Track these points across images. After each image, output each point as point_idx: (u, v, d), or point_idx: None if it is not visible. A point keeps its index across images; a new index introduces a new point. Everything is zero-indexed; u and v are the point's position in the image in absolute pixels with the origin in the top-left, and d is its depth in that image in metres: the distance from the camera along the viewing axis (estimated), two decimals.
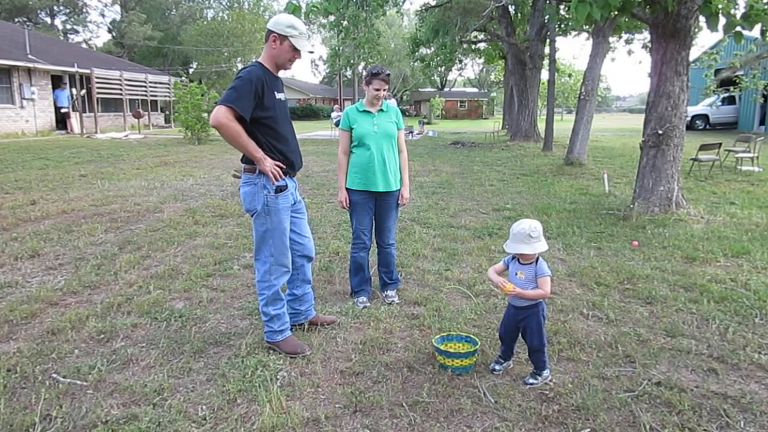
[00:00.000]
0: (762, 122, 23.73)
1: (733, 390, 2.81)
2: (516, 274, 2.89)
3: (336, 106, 33.32)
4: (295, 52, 3.03)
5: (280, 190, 3.03)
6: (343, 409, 2.64)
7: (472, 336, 3.21)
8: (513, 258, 2.91)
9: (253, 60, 3.16)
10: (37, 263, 4.83)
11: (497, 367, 3.02)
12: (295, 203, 3.23)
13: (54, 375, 2.89)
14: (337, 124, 20.23)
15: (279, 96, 3.10)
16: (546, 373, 2.90)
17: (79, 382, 2.83)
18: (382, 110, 3.90)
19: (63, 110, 22.18)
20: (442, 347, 3.08)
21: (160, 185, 9.07)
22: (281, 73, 3.21)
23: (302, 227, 3.35)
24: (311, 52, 3.13)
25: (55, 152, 14.03)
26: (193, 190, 8.74)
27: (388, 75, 3.83)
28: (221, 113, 2.82)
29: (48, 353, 3.13)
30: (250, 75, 2.90)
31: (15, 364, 2.99)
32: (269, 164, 2.98)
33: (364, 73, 3.94)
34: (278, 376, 2.92)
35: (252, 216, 3.10)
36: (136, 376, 2.91)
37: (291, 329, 3.31)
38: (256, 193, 3.02)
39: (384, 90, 3.80)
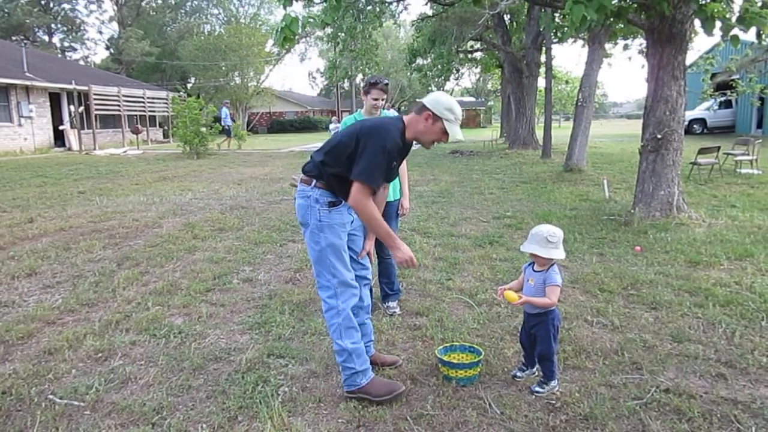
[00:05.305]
0: (759, 125, 23.77)
1: (742, 395, 2.77)
2: (528, 281, 2.86)
3: (334, 118, 33.46)
4: (444, 135, 2.81)
5: (332, 204, 2.80)
6: (347, 425, 2.58)
7: (475, 346, 3.16)
8: (529, 264, 2.88)
9: (397, 113, 2.85)
10: (35, 282, 4.78)
11: (519, 374, 2.98)
12: (352, 221, 2.97)
13: (50, 396, 2.83)
14: None
15: (395, 162, 2.87)
16: (553, 383, 2.85)
17: (76, 402, 2.77)
18: None
19: (227, 127, 21.99)
20: (445, 358, 3.03)
21: (159, 200, 9.04)
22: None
23: (359, 246, 3.08)
24: (461, 141, 2.97)
25: (54, 169, 14.02)
26: (192, 204, 8.71)
27: (387, 84, 3.82)
28: (363, 194, 2.63)
29: (44, 374, 3.07)
30: (392, 147, 2.69)
31: (10, 386, 2.93)
32: (404, 254, 2.76)
33: (363, 83, 3.94)
34: (279, 392, 2.87)
35: (304, 230, 2.87)
36: (134, 395, 2.86)
37: None
38: (309, 207, 2.81)
39: (382, 99, 3.78)
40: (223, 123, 22.12)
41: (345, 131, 2.82)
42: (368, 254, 3.17)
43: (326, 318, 2.84)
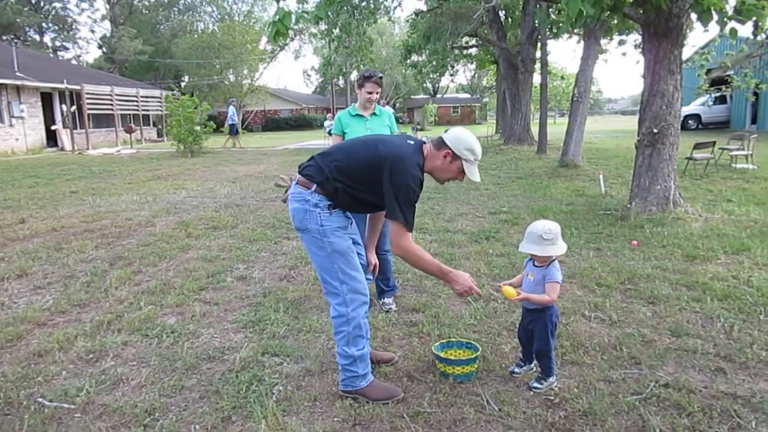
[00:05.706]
0: (754, 121, 23.83)
1: (742, 389, 2.74)
2: (527, 276, 2.83)
3: (329, 115, 33.26)
4: (460, 175, 2.73)
5: (331, 207, 2.67)
6: (342, 423, 2.54)
7: (472, 342, 3.12)
8: (530, 259, 2.84)
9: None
10: (25, 283, 4.71)
11: (517, 370, 2.95)
12: (352, 223, 2.88)
13: (39, 399, 2.77)
14: (330, 133, 20.21)
15: None
16: (552, 379, 2.81)
17: (66, 405, 2.72)
18: (375, 114, 3.84)
19: (233, 126, 21.95)
20: (442, 354, 2.99)
21: (152, 199, 8.97)
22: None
23: (360, 248, 2.97)
24: (479, 182, 2.84)
25: (46, 170, 13.91)
26: (186, 202, 8.64)
27: (381, 78, 3.79)
28: (404, 238, 2.59)
29: (34, 376, 3.01)
30: (418, 187, 2.61)
31: None
32: (462, 286, 2.70)
33: (357, 77, 3.89)
34: (274, 391, 2.82)
35: (303, 235, 2.71)
36: (126, 396, 2.81)
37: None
38: (308, 211, 2.63)
39: (377, 93, 3.74)
40: (229, 121, 22.05)
41: (358, 152, 2.68)
42: (375, 267, 3.11)
43: (334, 324, 2.71)
